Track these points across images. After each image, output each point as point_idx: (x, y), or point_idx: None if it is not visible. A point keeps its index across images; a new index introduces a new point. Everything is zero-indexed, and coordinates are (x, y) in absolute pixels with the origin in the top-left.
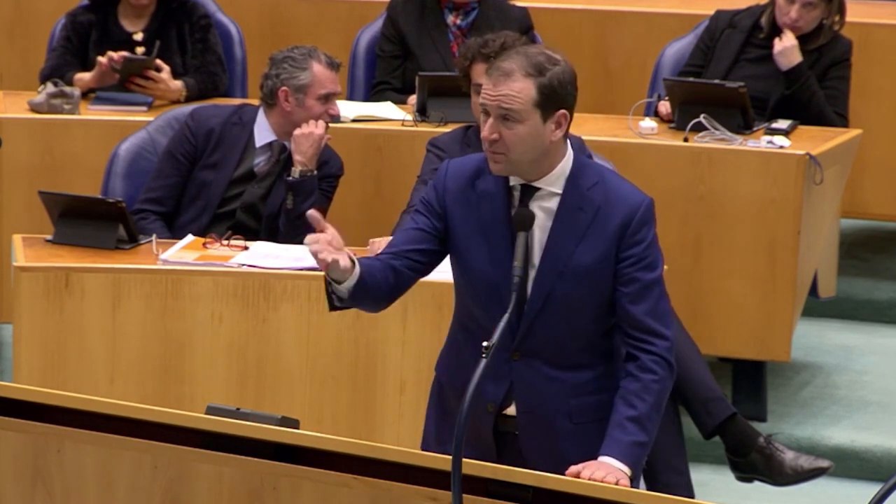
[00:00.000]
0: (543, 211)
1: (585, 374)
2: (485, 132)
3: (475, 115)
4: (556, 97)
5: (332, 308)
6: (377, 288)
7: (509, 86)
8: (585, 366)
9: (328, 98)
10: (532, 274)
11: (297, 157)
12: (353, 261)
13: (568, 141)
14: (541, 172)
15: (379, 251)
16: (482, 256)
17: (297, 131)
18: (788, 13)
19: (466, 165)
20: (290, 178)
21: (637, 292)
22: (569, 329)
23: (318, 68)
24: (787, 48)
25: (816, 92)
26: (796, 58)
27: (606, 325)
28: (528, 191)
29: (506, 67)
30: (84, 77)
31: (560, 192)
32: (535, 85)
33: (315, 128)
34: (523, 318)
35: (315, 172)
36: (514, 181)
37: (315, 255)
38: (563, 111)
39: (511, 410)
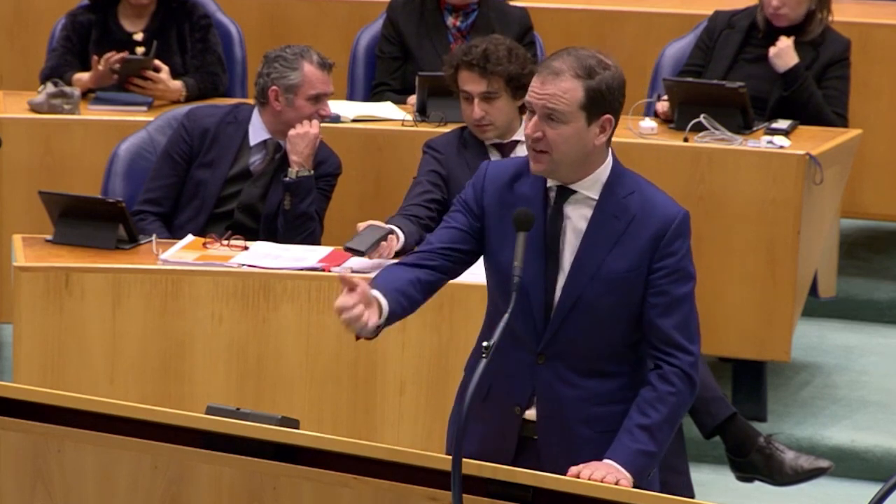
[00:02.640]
0: (578, 215)
1: (610, 384)
2: (528, 129)
3: (466, 120)
4: (603, 101)
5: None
6: (403, 312)
7: (557, 85)
8: (610, 374)
9: (318, 98)
10: (562, 278)
11: (293, 158)
12: (379, 309)
13: (610, 148)
14: (579, 176)
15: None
16: (510, 258)
17: (291, 132)
18: (770, 2)
19: (507, 167)
20: (287, 179)
21: (666, 305)
22: (595, 336)
23: (308, 69)
24: (782, 50)
25: (814, 93)
26: (792, 59)
27: (634, 336)
28: (564, 193)
29: (556, 67)
30: (82, 77)
31: (596, 197)
32: (583, 87)
33: (310, 127)
34: (550, 322)
35: (312, 172)
36: (551, 183)
37: (346, 323)
38: (608, 116)
39: (532, 415)
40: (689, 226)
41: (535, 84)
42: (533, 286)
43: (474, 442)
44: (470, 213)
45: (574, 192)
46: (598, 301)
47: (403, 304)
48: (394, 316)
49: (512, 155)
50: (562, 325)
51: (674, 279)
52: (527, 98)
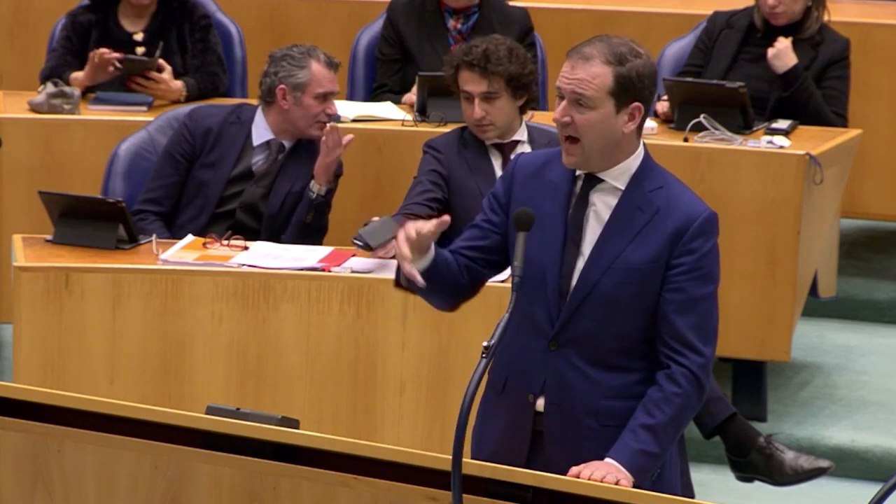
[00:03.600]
0: (603, 204)
1: (621, 378)
2: (556, 114)
3: (466, 120)
4: (633, 89)
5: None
6: (450, 280)
7: (587, 70)
8: (623, 369)
9: (326, 97)
10: (580, 264)
11: (322, 179)
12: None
13: (641, 140)
14: (608, 164)
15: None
16: (532, 244)
17: (327, 159)
18: (766, 2)
19: (537, 157)
20: (315, 199)
21: (683, 303)
22: (609, 327)
23: (316, 67)
24: (780, 51)
25: (814, 93)
26: (791, 60)
27: (650, 333)
28: (591, 181)
29: (586, 52)
30: (79, 76)
31: (622, 188)
32: (612, 73)
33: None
34: (564, 307)
35: (333, 185)
36: (579, 171)
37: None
38: (637, 104)
39: (542, 405)
40: (716, 227)
41: (565, 69)
42: (551, 271)
43: (491, 441)
44: (498, 206)
45: (601, 180)
46: (614, 291)
47: (450, 267)
48: (440, 270)
49: (512, 155)
50: (576, 313)
51: (692, 277)
52: (557, 83)
